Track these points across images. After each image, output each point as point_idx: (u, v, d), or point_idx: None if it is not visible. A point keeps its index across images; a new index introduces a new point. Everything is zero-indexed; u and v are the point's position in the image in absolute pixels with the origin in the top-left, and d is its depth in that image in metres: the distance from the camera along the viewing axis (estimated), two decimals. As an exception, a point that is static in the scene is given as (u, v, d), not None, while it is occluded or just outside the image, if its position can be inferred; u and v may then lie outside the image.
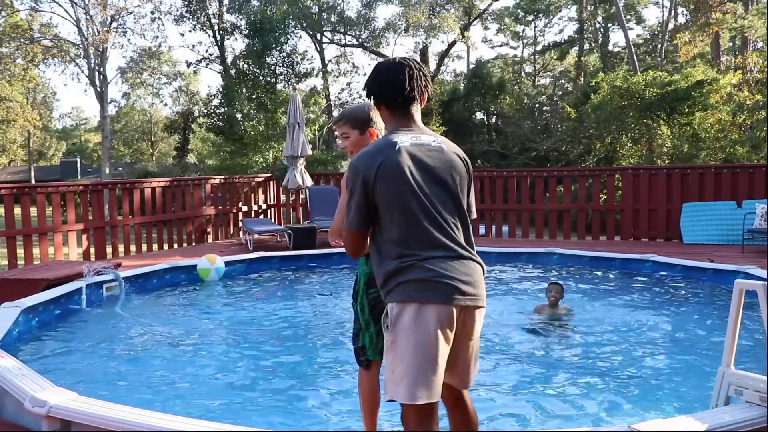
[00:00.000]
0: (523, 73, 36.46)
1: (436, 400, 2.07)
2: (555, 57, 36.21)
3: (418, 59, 2.32)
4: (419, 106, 2.28)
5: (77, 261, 7.55)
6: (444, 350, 2.07)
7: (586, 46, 33.43)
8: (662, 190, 9.98)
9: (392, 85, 2.22)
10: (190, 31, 47.22)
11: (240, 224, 11.11)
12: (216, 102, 23.37)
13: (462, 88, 30.16)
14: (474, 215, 2.31)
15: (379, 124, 2.65)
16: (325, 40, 30.90)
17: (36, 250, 8.05)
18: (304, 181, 10.61)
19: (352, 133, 2.66)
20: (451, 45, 31.93)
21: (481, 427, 3.23)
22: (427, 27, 29.51)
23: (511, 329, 5.04)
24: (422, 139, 2.19)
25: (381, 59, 2.65)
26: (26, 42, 28.74)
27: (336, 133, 2.79)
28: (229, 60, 25.19)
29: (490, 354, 4.40)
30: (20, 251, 7.90)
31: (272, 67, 22.10)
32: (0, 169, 48.91)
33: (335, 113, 28.31)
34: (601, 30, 33.56)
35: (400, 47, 34.56)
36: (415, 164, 2.13)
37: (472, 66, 33.24)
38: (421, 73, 2.25)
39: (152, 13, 28.20)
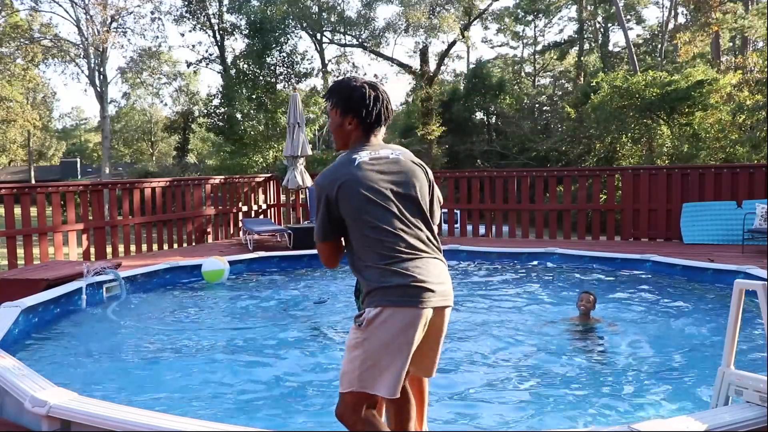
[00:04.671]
0: (523, 73, 36.49)
1: (398, 395, 2.19)
2: (555, 57, 36.24)
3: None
4: (383, 129, 2.42)
5: (77, 261, 7.55)
6: (412, 349, 2.19)
7: (586, 46, 33.44)
8: (662, 190, 9.97)
9: (370, 106, 2.33)
10: (190, 31, 47.28)
11: (240, 224, 11.12)
12: (216, 102, 23.41)
13: (462, 88, 30.19)
14: (437, 222, 2.40)
15: None
16: (325, 40, 30.93)
17: (36, 250, 8.06)
18: (304, 181, 10.61)
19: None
20: (451, 45, 31.92)
21: (483, 429, 3.23)
22: (427, 27, 29.51)
23: (516, 331, 5.04)
24: (380, 153, 2.33)
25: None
26: (26, 42, 28.75)
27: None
28: (229, 60, 25.21)
29: (491, 355, 4.41)
30: (20, 251, 7.91)
31: (272, 67, 22.13)
32: (0, 169, 48.92)
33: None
34: (601, 30, 33.57)
35: (400, 47, 34.55)
36: (374, 176, 2.26)
37: (472, 66, 33.29)
38: (390, 104, 2.40)
39: (152, 13, 28.29)
